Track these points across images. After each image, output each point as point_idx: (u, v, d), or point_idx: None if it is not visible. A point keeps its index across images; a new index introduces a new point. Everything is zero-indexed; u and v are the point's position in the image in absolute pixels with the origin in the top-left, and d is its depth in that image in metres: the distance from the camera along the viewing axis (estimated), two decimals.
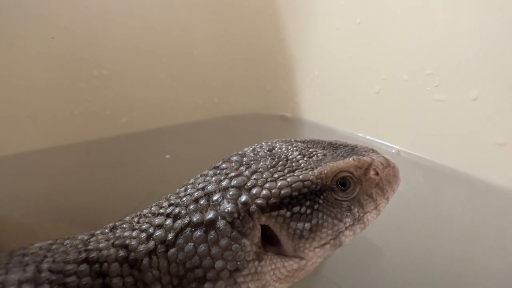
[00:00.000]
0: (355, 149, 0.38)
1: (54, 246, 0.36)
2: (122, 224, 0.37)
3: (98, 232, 0.37)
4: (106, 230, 0.37)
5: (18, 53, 0.69)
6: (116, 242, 0.34)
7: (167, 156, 0.73)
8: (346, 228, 0.33)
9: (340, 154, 0.37)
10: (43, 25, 0.71)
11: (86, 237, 0.36)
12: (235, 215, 0.31)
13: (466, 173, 0.62)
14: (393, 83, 0.72)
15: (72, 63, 0.74)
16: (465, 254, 0.48)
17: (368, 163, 0.35)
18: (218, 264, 0.30)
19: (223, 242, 0.30)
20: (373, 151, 0.39)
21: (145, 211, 0.38)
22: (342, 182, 0.34)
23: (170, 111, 0.86)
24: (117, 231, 0.36)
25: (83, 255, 0.33)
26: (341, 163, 0.34)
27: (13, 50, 0.69)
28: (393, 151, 0.74)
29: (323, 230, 0.32)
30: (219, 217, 0.31)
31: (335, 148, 0.39)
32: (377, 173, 0.36)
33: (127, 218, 0.38)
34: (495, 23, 0.57)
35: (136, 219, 0.37)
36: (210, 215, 0.31)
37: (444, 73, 0.64)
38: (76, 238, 0.37)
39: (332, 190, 0.33)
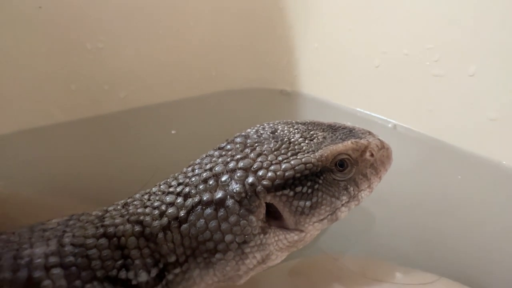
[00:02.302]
0: (353, 131, 0.41)
1: (71, 222, 0.38)
2: (133, 201, 0.40)
3: (111, 208, 0.39)
4: (119, 207, 0.39)
5: (3, 25, 0.65)
6: (131, 218, 0.36)
7: (172, 132, 0.74)
8: (342, 205, 0.37)
9: (339, 137, 0.39)
10: None
11: (100, 213, 0.39)
12: (243, 194, 0.33)
13: (459, 147, 0.65)
14: (393, 57, 0.72)
15: (64, 36, 0.70)
16: (455, 224, 0.53)
17: (365, 145, 0.38)
18: (228, 237, 0.33)
19: (232, 218, 0.33)
20: (370, 133, 0.41)
21: (154, 189, 0.40)
22: (341, 163, 0.36)
23: (168, 85, 0.85)
24: (130, 208, 0.39)
25: (101, 230, 0.36)
26: (340, 146, 0.36)
27: None
28: (390, 125, 0.76)
29: (322, 207, 0.35)
30: (228, 197, 0.34)
31: (334, 130, 0.41)
32: (372, 155, 0.39)
33: (137, 196, 0.41)
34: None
35: (146, 197, 0.40)
36: (219, 194, 0.34)
37: (444, 48, 0.64)
38: (91, 214, 0.39)
39: (331, 171, 0.36)
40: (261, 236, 0.34)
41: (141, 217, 0.36)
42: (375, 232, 0.53)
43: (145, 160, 0.67)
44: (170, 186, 0.39)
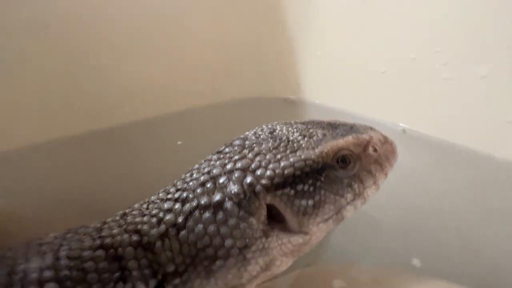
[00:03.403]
0: (354, 127, 0.40)
1: (68, 235, 0.37)
2: (132, 211, 0.39)
3: (109, 220, 0.38)
4: (117, 218, 0.38)
5: (11, 44, 0.67)
6: (129, 227, 0.35)
7: (178, 143, 0.73)
8: (348, 203, 0.35)
9: (340, 133, 0.38)
10: (35, 13, 0.68)
11: (98, 225, 0.38)
12: (242, 196, 0.32)
13: (474, 150, 0.62)
14: (399, 62, 0.71)
15: (69, 53, 0.72)
16: (473, 230, 0.50)
17: (366, 140, 0.36)
18: (228, 242, 0.31)
19: (231, 221, 0.32)
20: (371, 128, 0.40)
21: (153, 198, 0.39)
22: (343, 159, 0.35)
23: (171, 98, 0.85)
24: (128, 218, 0.37)
25: (98, 241, 0.34)
26: (340, 142, 0.35)
27: (5, 40, 0.67)
28: (399, 129, 0.74)
29: (325, 205, 0.33)
30: (226, 199, 0.32)
31: (334, 127, 0.40)
32: (375, 150, 0.37)
33: (136, 205, 0.40)
34: None
35: (145, 206, 0.39)
36: (217, 197, 0.32)
37: (453, 50, 0.63)
38: (89, 226, 0.38)
39: (333, 168, 0.34)
40: (263, 239, 0.32)
41: (139, 226, 0.35)
42: (386, 239, 0.50)
43: (151, 172, 0.66)
44: (168, 193, 0.38)
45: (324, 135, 0.38)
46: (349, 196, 0.35)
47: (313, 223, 0.33)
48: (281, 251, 0.33)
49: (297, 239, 0.34)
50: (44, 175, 0.66)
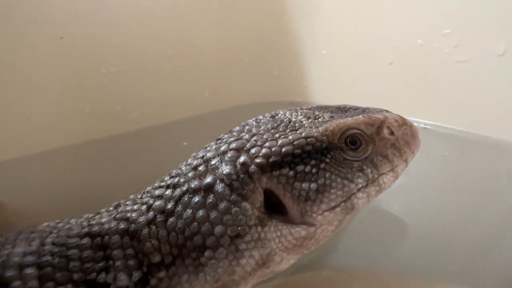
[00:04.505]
0: (366, 110, 0.35)
1: (60, 224, 0.36)
2: (126, 201, 0.37)
3: (103, 210, 0.37)
4: (111, 208, 0.37)
5: (29, 55, 0.72)
6: (118, 216, 0.33)
7: (184, 144, 0.72)
8: (359, 189, 0.30)
9: (350, 115, 0.34)
10: (52, 25, 0.73)
11: (91, 215, 0.36)
12: (234, 176, 0.29)
13: (499, 139, 0.55)
14: (406, 50, 0.67)
15: (81, 62, 0.76)
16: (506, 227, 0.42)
17: (380, 120, 0.32)
18: (218, 229, 0.28)
19: (222, 205, 0.28)
20: (387, 111, 0.35)
21: (148, 188, 0.37)
22: (352, 140, 0.31)
23: (178, 104, 0.86)
24: (120, 207, 0.36)
25: (86, 229, 0.33)
26: (349, 120, 0.31)
27: (24, 51, 0.72)
28: (421, 126, 0.67)
29: (331, 190, 0.29)
30: (218, 181, 0.29)
31: (343, 111, 0.36)
32: (391, 132, 0.32)
33: (132, 196, 0.38)
34: None
35: (139, 196, 0.37)
36: (208, 179, 0.29)
37: (464, 30, 0.58)
38: (82, 216, 0.37)
39: (340, 149, 0.30)
40: (259, 229, 0.28)
41: (128, 214, 0.33)
42: (414, 245, 0.43)
43: (159, 176, 0.65)
44: (162, 181, 0.35)
45: (332, 117, 0.34)
46: (360, 181, 0.30)
47: (317, 211, 0.29)
48: (281, 244, 0.29)
49: (299, 231, 0.29)
50: (57, 179, 0.68)
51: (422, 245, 0.42)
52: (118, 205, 0.37)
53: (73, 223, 0.35)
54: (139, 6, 0.81)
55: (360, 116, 0.32)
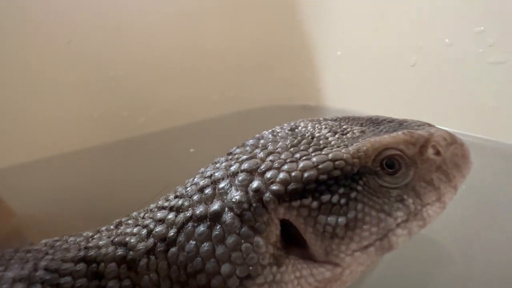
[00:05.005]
0: (404, 124, 0.29)
1: (58, 243, 0.33)
2: (128, 220, 0.34)
3: (103, 228, 0.34)
4: (112, 227, 0.34)
5: (37, 59, 0.72)
6: (116, 239, 0.30)
7: (191, 150, 0.69)
8: (398, 225, 0.24)
9: (384, 130, 0.28)
10: (60, 30, 0.73)
11: (91, 234, 0.34)
12: (245, 205, 0.24)
13: None
14: (433, 51, 0.58)
15: (89, 66, 0.75)
16: None
17: (424, 137, 0.26)
18: (225, 268, 0.23)
19: (230, 240, 0.24)
20: (430, 125, 0.29)
21: (152, 206, 0.34)
22: (389, 163, 0.25)
23: (187, 108, 0.83)
24: (121, 228, 0.32)
25: (82, 253, 0.29)
26: (386, 138, 0.25)
27: (32, 56, 0.72)
28: None
29: (364, 227, 0.23)
30: (226, 209, 0.24)
31: (376, 124, 0.30)
32: (438, 152, 0.27)
33: (134, 214, 0.35)
34: None
35: (142, 214, 0.33)
36: (215, 206, 0.25)
37: (500, 27, 0.49)
38: (82, 234, 0.34)
39: (375, 174, 0.25)
40: (274, 269, 0.24)
41: (127, 238, 0.29)
42: (453, 272, 0.37)
43: (167, 181, 0.62)
44: (167, 200, 0.32)
45: (363, 132, 0.28)
46: (400, 214, 0.24)
47: (346, 250, 0.23)
48: (300, 287, 0.24)
49: (323, 272, 0.24)
50: (65, 184, 0.67)
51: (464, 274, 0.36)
52: (119, 224, 0.34)
53: (71, 242, 0.33)
54: (148, 10, 0.79)
55: (400, 132, 0.26)
